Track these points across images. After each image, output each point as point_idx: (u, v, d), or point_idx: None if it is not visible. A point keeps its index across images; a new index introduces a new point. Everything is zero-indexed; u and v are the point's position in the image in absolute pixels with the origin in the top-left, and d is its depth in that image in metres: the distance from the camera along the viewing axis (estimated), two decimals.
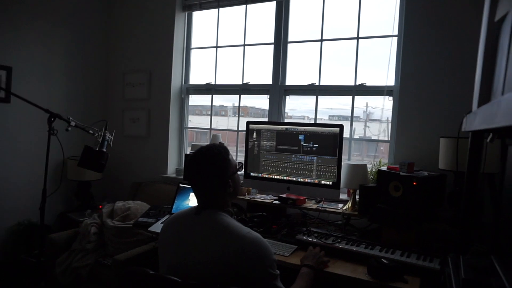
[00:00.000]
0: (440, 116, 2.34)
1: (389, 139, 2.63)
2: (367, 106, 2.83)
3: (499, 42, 1.04)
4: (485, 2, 1.19)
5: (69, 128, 2.43)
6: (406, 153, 2.44)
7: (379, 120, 2.75)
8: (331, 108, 2.96)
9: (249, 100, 3.31)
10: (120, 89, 3.63)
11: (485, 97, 1.05)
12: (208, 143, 2.65)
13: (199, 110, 3.68)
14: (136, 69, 3.53)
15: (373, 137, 2.80)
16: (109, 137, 2.63)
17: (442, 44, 2.34)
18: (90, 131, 2.56)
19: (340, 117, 2.93)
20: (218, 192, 1.38)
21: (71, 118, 2.45)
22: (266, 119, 3.05)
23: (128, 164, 3.59)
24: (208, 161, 1.35)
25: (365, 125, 2.86)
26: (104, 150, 2.53)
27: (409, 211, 2.00)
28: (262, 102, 3.19)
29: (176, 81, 3.39)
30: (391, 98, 2.60)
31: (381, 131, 2.76)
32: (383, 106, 2.68)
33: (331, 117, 2.98)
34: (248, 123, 2.61)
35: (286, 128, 2.48)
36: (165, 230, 1.46)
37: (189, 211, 1.43)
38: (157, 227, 2.28)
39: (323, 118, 2.95)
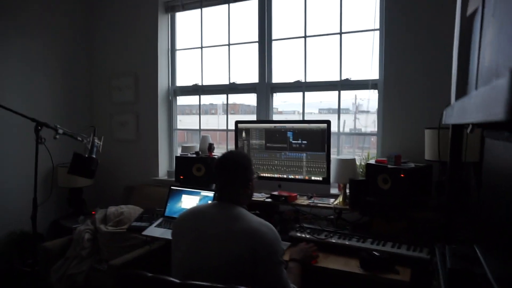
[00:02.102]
0: (424, 107, 2.38)
1: (377, 131, 2.66)
2: (355, 98, 2.86)
3: (472, 36, 1.07)
4: None
5: (57, 136, 2.42)
6: (393, 145, 2.47)
7: (368, 112, 2.78)
8: (320, 101, 2.98)
9: (238, 97, 3.32)
10: (106, 93, 3.61)
11: (462, 90, 1.08)
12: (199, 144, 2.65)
13: (189, 110, 3.67)
14: (122, 72, 3.51)
15: (363, 129, 2.82)
16: (98, 143, 2.62)
17: (424, 37, 2.37)
18: (79, 138, 2.55)
19: (330, 110, 2.96)
20: (238, 190, 1.55)
21: (58, 126, 2.43)
22: (255, 116, 3.07)
23: (119, 169, 3.58)
24: (237, 160, 1.58)
25: (355, 117, 2.89)
26: (94, 156, 2.53)
27: (398, 203, 2.04)
28: (251, 99, 3.21)
29: (163, 83, 3.38)
30: (376, 91, 2.63)
31: (371, 122, 2.80)
32: (369, 97, 2.71)
33: (320, 110, 3.01)
34: (237, 122, 2.63)
35: (275, 126, 2.50)
36: (181, 223, 1.57)
37: (205, 205, 1.61)
38: (151, 231, 2.28)
39: (313, 112, 2.98)
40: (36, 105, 3.25)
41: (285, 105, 3.15)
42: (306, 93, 2.89)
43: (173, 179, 3.21)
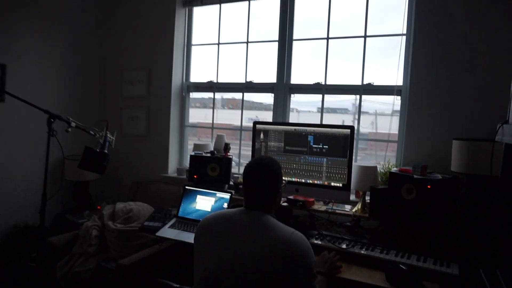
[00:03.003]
0: (452, 117, 2.32)
1: (397, 138, 2.60)
2: (356, 99, 2.81)
3: None
4: None
5: (69, 130, 2.34)
6: (416, 155, 2.41)
7: (367, 113, 2.77)
8: (331, 100, 2.93)
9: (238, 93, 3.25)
10: (118, 87, 3.52)
11: None
12: (214, 146, 2.58)
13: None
14: (134, 66, 3.42)
15: (362, 129, 2.78)
16: (110, 138, 2.54)
17: (454, 43, 2.30)
18: (91, 132, 2.48)
19: (328, 109, 2.92)
20: (269, 198, 1.50)
21: (71, 119, 2.36)
22: (260, 112, 3.00)
23: (127, 164, 3.50)
24: (269, 168, 1.51)
25: (354, 118, 2.84)
26: (106, 151, 2.45)
27: (424, 215, 1.97)
28: (252, 94, 3.16)
29: (176, 78, 3.30)
30: (399, 97, 2.57)
31: (369, 124, 2.78)
32: (368, 99, 2.66)
33: (318, 109, 2.96)
34: (255, 123, 2.55)
35: (295, 129, 2.43)
36: (207, 228, 1.50)
37: (233, 211, 1.51)
38: (164, 232, 2.21)
39: (311, 110, 2.94)
40: (46, 95, 3.16)
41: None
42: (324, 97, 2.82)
43: (184, 176, 3.15)
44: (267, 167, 1.52)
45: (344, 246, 2.01)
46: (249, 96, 3.18)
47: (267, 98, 3.07)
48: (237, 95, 3.24)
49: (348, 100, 2.83)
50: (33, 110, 2.16)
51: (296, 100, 2.97)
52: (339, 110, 2.93)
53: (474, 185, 2.05)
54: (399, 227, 2.07)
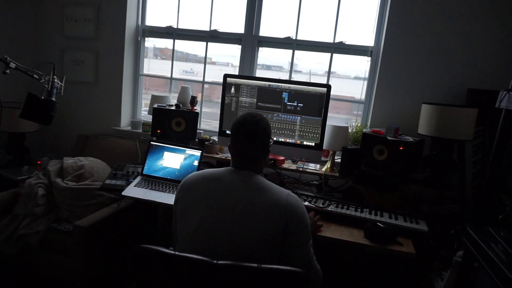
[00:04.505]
0: (422, 81, 2.39)
1: (364, 99, 2.64)
2: (293, 57, 2.79)
3: None
4: None
5: (7, 71, 1.99)
6: (383, 116, 2.48)
7: (300, 72, 2.80)
8: (266, 57, 2.86)
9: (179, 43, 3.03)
10: (58, 24, 3.02)
11: None
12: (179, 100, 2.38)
13: None
14: (79, 1, 2.94)
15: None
16: (58, 84, 2.22)
17: (432, 7, 2.32)
18: (35, 76, 2.13)
19: (264, 66, 2.89)
20: (260, 157, 1.43)
21: (9, 59, 1.99)
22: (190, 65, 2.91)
23: (71, 114, 3.11)
24: (262, 126, 1.42)
25: (290, 77, 2.83)
26: (53, 99, 2.15)
27: (395, 175, 2.06)
28: (189, 45, 3.00)
29: (131, 20, 2.92)
30: (369, 59, 2.57)
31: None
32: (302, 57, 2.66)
33: (258, 65, 2.91)
34: (226, 76, 2.39)
35: (269, 85, 2.33)
36: (191, 189, 1.37)
37: (220, 171, 1.41)
38: (131, 191, 2.03)
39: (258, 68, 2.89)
40: None
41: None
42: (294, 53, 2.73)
43: (139, 130, 2.93)
44: (258, 124, 1.41)
45: (320, 205, 2.03)
46: (183, 47, 3.02)
47: (203, 50, 2.92)
48: (169, 44, 2.99)
49: (285, 58, 2.77)
50: None
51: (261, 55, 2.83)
52: (273, 68, 2.89)
53: (437, 147, 2.17)
54: (371, 186, 2.14)
